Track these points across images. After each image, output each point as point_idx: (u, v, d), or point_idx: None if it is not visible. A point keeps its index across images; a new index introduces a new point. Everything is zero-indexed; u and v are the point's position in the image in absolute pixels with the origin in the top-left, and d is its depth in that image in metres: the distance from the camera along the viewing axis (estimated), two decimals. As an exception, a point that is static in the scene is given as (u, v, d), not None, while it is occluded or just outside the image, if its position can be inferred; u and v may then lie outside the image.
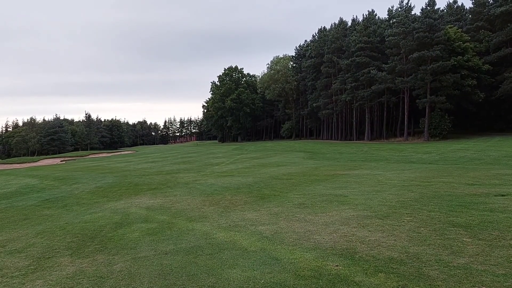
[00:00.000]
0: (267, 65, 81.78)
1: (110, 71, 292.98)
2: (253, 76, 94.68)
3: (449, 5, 57.01)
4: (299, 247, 5.55)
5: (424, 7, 46.03)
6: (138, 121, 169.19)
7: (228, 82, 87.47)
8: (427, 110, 43.52)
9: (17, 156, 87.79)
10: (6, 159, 67.95)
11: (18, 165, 48.56)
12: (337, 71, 60.58)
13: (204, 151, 45.94)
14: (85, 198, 12.84)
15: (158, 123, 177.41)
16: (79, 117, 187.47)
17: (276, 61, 79.33)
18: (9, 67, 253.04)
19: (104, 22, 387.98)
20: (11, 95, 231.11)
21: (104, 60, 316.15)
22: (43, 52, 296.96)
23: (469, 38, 44.47)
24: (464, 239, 5.44)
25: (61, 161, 53.05)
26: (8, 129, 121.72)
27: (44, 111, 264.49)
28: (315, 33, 71.14)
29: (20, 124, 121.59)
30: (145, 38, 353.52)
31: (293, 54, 79.70)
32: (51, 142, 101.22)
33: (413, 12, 49.80)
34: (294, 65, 77.85)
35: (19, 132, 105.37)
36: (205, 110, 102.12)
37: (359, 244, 5.52)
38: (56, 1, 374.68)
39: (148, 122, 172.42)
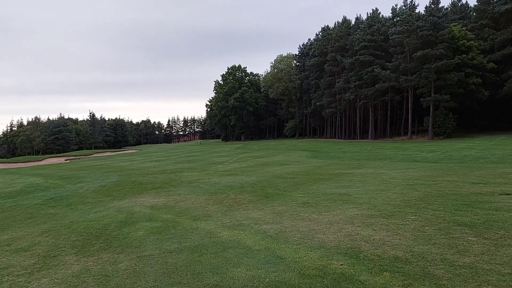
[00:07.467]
0: (271, 64, 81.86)
1: (115, 70, 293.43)
2: (256, 75, 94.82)
3: (453, 3, 56.69)
4: (303, 246, 5.54)
5: (428, 5, 45.84)
6: (142, 120, 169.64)
7: (232, 81, 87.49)
8: (431, 109, 43.34)
9: (22, 155, 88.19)
10: (11, 158, 68.37)
11: (22, 164, 48.82)
12: (340, 69, 60.45)
13: (208, 150, 46.00)
14: (90, 197, 12.89)
15: (161, 122, 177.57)
16: (83, 116, 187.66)
17: (280, 60, 79.29)
18: (14, 66, 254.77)
19: (110, 22, 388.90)
20: (16, 94, 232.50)
21: (109, 59, 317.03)
22: (49, 51, 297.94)
23: (474, 36, 44.22)
24: (470, 238, 5.41)
25: (65, 160, 53.31)
26: (13, 128, 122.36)
27: (48, 110, 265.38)
28: (319, 32, 71.08)
29: (25, 123, 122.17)
30: (150, 38, 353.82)
31: (297, 52, 79.62)
32: (55, 141, 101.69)
33: (417, 10, 49.58)
34: (298, 63, 77.74)
35: (24, 131, 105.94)
36: (209, 109, 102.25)
37: (364, 243, 5.50)
38: (61, 0, 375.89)
39: (152, 121, 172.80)
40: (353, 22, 63.25)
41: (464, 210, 7.07)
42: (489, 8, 45.30)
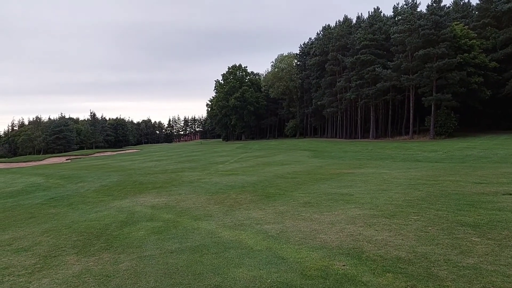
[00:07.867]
0: (271, 63, 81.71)
1: (116, 70, 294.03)
2: (257, 74, 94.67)
3: (455, 2, 56.48)
4: (305, 246, 5.51)
5: (430, 4, 45.64)
6: (143, 120, 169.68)
7: (232, 80, 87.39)
8: (432, 108, 43.23)
9: (23, 155, 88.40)
10: (12, 158, 68.50)
11: (23, 163, 48.89)
12: (341, 69, 60.32)
13: (208, 149, 46.00)
14: (91, 197, 12.87)
15: (162, 121, 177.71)
16: (84, 115, 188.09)
17: (281, 59, 79.12)
18: (15, 66, 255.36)
19: (111, 22, 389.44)
20: (17, 94, 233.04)
21: (110, 59, 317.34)
22: (50, 51, 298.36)
23: (476, 35, 44.05)
24: (473, 238, 5.37)
25: (66, 159, 53.40)
26: (14, 128, 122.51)
27: (49, 110, 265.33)
28: (320, 31, 70.87)
29: (26, 123, 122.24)
30: (151, 37, 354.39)
31: (298, 52, 79.51)
32: (56, 141, 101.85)
33: (418, 9, 49.30)
34: (299, 63, 77.59)
35: (25, 131, 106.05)
36: (209, 109, 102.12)
37: (366, 243, 5.46)
38: (63, 1, 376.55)
39: (153, 121, 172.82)
40: (354, 21, 63.11)
41: (467, 210, 7.02)
42: (491, 6, 45.08)
